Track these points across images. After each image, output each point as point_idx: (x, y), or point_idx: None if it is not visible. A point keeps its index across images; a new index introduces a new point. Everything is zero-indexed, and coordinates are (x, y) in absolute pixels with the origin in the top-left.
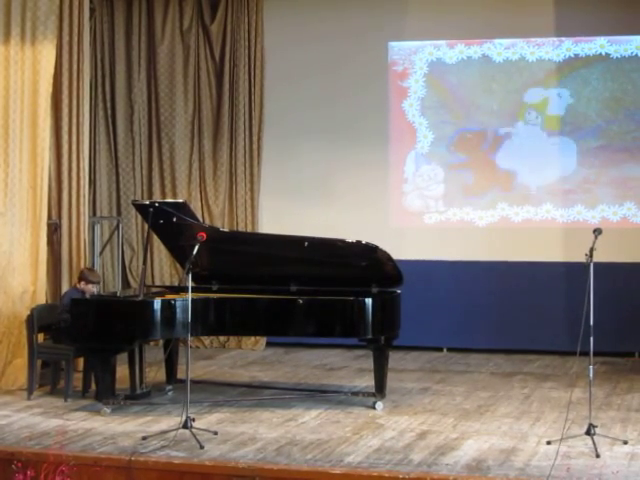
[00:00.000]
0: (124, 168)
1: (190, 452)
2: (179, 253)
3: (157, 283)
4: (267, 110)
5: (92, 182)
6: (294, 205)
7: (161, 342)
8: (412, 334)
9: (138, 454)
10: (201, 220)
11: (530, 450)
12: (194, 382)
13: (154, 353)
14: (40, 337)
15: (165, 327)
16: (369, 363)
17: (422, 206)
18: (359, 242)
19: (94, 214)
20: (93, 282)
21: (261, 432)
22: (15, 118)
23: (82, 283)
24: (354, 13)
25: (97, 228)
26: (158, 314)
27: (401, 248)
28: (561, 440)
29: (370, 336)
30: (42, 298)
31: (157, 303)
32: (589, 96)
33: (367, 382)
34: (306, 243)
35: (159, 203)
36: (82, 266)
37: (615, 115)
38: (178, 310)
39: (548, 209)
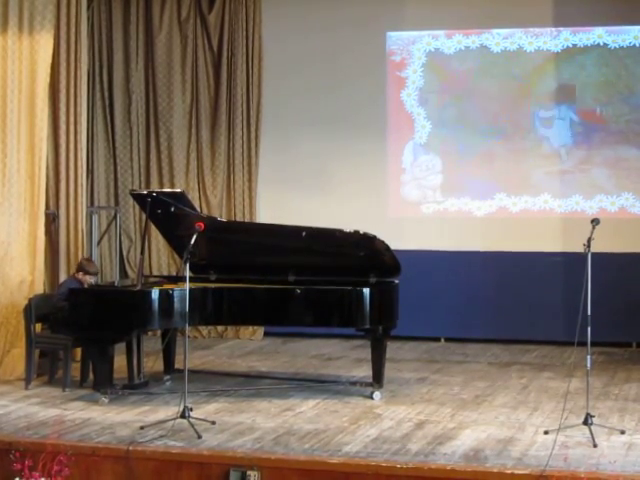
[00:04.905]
0: (122, 158)
1: (188, 442)
2: (177, 243)
3: (155, 273)
4: (265, 100)
5: (90, 172)
6: (292, 195)
7: (159, 332)
8: (410, 324)
9: (136, 444)
10: (199, 210)
11: (528, 440)
12: (192, 372)
13: (152, 343)
14: (38, 327)
15: (163, 317)
16: (367, 353)
17: (420, 196)
18: (357, 232)
19: (92, 204)
20: (90, 273)
21: (259, 422)
22: (13, 108)
23: (80, 273)
24: (352, 3)
25: (95, 218)
26: (156, 304)
27: (399, 238)
28: (558, 430)
29: (368, 326)
30: (40, 288)
31: (155, 293)
32: (585, 81)
33: (365, 372)
34: (304, 233)
35: (157, 193)
36: (80, 256)
37: (609, 99)
38: (176, 300)
39: (546, 199)
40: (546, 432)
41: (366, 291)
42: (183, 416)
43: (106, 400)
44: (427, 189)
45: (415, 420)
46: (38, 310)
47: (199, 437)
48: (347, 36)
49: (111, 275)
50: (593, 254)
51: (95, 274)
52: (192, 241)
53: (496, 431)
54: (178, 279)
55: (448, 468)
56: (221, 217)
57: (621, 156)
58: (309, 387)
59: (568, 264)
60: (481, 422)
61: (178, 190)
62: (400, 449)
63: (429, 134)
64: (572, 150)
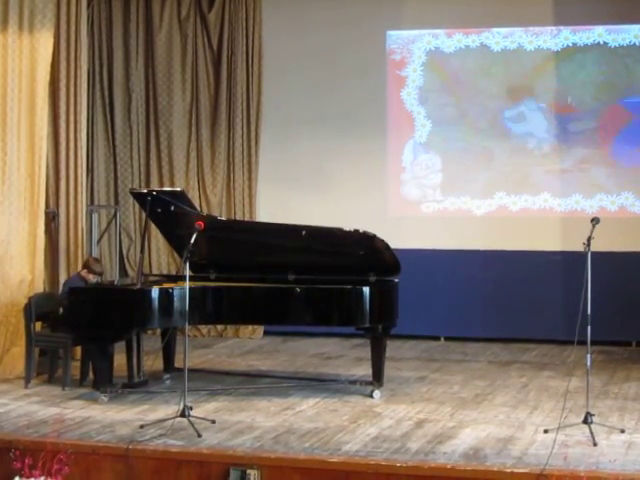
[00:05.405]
0: (122, 157)
1: (188, 440)
2: (177, 242)
3: (154, 272)
4: (265, 99)
5: (90, 171)
6: (292, 194)
7: (159, 331)
8: (410, 323)
9: (136, 442)
10: (199, 209)
11: (527, 439)
12: (192, 371)
13: (152, 342)
14: (38, 326)
15: (163, 316)
16: (367, 352)
17: (420, 195)
18: (357, 231)
19: (92, 203)
20: (95, 272)
21: (258, 421)
22: (13, 106)
23: (84, 271)
24: (352, 2)
25: (95, 217)
26: (156, 303)
27: (399, 237)
28: (558, 429)
29: (368, 325)
30: (40, 287)
31: (155, 292)
32: (585, 80)
33: (365, 371)
34: (304, 232)
35: (157, 192)
36: (80, 255)
37: (609, 98)
38: (176, 299)
39: (546, 198)
40: (546, 431)
41: (366, 290)
42: (183, 415)
43: (106, 399)
44: (427, 188)
45: (415, 419)
46: (38, 309)
47: (199, 436)
48: (347, 35)
49: (111, 274)
50: (593, 253)
51: (100, 274)
52: (192, 240)
53: (496, 430)
54: (178, 278)
55: (448, 467)
56: (221, 216)
57: (621, 155)
58: (309, 386)
59: (568, 263)
60: (481, 421)
61: (178, 189)
62: (400, 448)
63: (429, 133)
64: (572, 149)
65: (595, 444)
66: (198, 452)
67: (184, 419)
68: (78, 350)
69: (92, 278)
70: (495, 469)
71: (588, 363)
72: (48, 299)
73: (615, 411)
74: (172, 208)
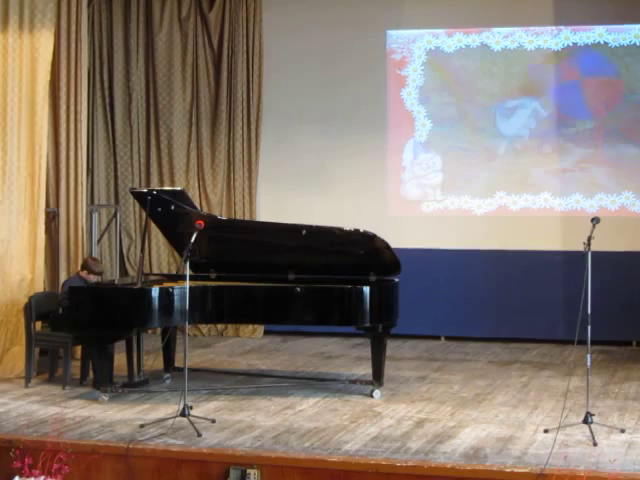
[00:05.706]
0: (122, 156)
1: (188, 440)
2: (177, 241)
3: (155, 271)
4: (265, 98)
5: (90, 170)
6: (292, 193)
7: (159, 330)
8: (410, 322)
9: (136, 442)
10: (199, 208)
11: (527, 438)
12: (192, 370)
13: (152, 341)
14: (38, 325)
15: (163, 315)
16: (367, 351)
17: (420, 194)
18: (357, 230)
19: (92, 202)
20: (95, 273)
21: (259, 420)
22: (13, 106)
23: (84, 272)
24: (352, 1)
25: (95, 216)
26: (156, 302)
27: (399, 236)
28: (558, 428)
29: (368, 324)
30: (40, 286)
31: (155, 291)
32: (586, 79)
33: (365, 370)
34: (304, 231)
35: (157, 191)
36: (80, 254)
37: (610, 98)
38: (176, 298)
39: (546, 198)
40: (546, 431)
41: (366, 289)
42: (183, 414)
43: (106, 398)
44: (427, 187)
45: (415, 418)
46: (38, 308)
47: (199, 435)
48: (347, 34)
49: (111, 273)
50: (593, 253)
51: (99, 274)
52: (192, 239)
53: (496, 429)
54: (178, 277)
55: (448, 466)
56: (221, 215)
57: (621, 155)
58: (309, 385)
59: (568, 262)
60: (481, 420)
61: (178, 188)
62: (400, 447)
63: (429, 132)
64: (572, 148)
65: (595, 444)
66: (198, 451)
67: (184, 418)
68: (78, 349)
69: (92, 278)
70: (495, 469)
71: (588, 363)
72: (48, 299)
73: (615, 411)
74: (172, 207)
